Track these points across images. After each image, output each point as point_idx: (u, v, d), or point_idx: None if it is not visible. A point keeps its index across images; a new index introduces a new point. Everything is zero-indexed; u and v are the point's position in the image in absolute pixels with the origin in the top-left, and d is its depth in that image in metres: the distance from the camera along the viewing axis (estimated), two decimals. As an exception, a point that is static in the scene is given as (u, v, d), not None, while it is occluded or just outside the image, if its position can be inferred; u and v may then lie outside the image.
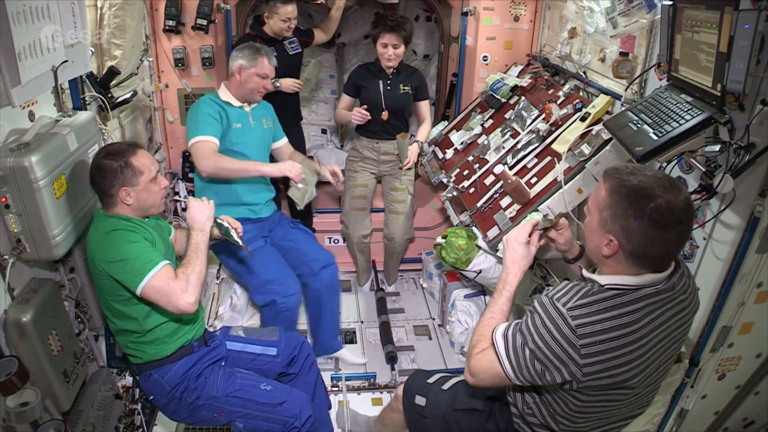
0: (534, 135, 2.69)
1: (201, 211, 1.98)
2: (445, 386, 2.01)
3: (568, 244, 1.79)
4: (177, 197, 3.54)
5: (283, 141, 3.04)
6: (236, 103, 2.73)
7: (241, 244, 2.13)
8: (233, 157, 2.63)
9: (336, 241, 4.04)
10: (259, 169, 2.62)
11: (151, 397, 2.09)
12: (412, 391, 2.06)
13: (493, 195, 2.65)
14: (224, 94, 2.74)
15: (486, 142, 2.96)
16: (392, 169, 3.43)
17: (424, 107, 3.40)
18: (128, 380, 2.45)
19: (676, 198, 1.28)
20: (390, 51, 3.11)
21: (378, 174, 3.47)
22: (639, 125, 1.75)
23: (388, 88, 3.24)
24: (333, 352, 3.11)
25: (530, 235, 1.68)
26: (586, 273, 1.50)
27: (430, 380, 2.07)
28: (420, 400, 2.01)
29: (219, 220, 2.12)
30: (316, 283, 2.92)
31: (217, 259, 3.67)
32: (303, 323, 3.18)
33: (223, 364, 2.20)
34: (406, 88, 3.26)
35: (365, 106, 3.22)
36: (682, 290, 1.43)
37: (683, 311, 1.44)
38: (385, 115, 3.24)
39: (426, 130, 3.41)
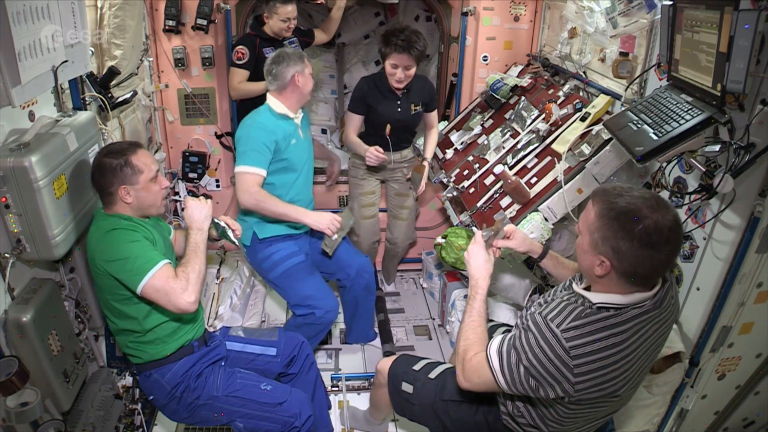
0: (534, 135, 2.69)
1: (199, 211, 1.98)
2: (432, 375, 2.02)
3: (525, 246, 1.92)
4: (176, 197, 3.55)
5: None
6: (292, 114, 2.64)
7: (237, 245, 2.12)
8: (287, 173, 2.60)
9: (337, 241, 4.03)
10: (300, 218, 2.56)
11: (151, 397, 2.09)
12: (398, 377, 2.08)
13: (493, 195, 2.65)
14: (278, 107, 2.60)
15: (486, 142, 2.96)
16: (400, 180, 3.34)
17: (433, 116, 3.24)
18: (128, 380, 2.45)
19: (664, 218, 1.31)
20: (400, 74, 2.82)
21: (383, 178, 3.38)
22: (639, 125, 1.75)
23: (399, 109, 3.03)
24: (368, 341, 3.29)
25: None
26: (576, 287, 1.54)
27: (416, 367, 2.08)
28: (407, 387, 2.04)
29: (216, 220, 2.11)
30: (353, 287, 2.98)
31: (217, 259, 3.68)
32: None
33: (223, 364, 2.20)
34: (418, 107, 3.07)
35: (380, 149, 2.96)
36: (667, 305, 1.47)
37: (666, 322, 1.49)
38: (388, 128, 3.11)
39: (433, 145, 3.25)
